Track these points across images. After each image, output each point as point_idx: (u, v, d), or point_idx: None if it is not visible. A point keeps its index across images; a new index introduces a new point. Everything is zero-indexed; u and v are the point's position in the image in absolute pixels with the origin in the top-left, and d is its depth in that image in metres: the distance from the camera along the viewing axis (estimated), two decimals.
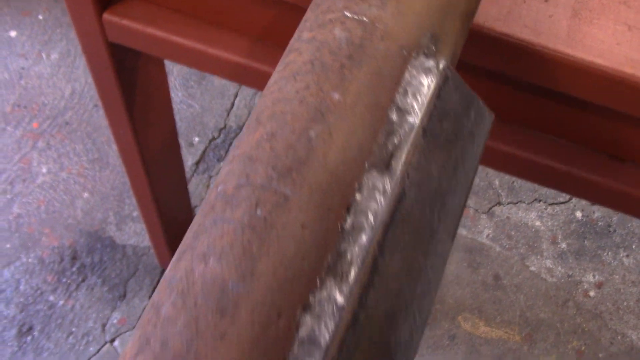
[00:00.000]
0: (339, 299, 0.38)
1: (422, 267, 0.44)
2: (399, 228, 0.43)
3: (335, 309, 0.37)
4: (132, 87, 0.98)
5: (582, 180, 0.79)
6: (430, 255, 0.45)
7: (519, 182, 1.85)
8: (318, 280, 0.38)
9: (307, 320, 0.36)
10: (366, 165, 0.42)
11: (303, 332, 0.36)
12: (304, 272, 0.37)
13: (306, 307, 0.37)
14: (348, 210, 0.40)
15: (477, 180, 1.84)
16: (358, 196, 0.41)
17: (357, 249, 0.40)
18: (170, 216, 1.49)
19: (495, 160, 0.83)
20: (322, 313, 0.37)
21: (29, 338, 1.55)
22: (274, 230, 0.38)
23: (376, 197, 0.42)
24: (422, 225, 0.45)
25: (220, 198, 0.40)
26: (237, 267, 0.37)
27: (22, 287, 1.60)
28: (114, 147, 1.80)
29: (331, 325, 0.37)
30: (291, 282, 0.37)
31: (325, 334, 0.37)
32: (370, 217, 0.41)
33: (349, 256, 0.39)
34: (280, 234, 0.38)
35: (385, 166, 0.43)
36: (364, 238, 0.40)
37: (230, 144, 1.85)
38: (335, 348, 0.37)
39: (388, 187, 0.42)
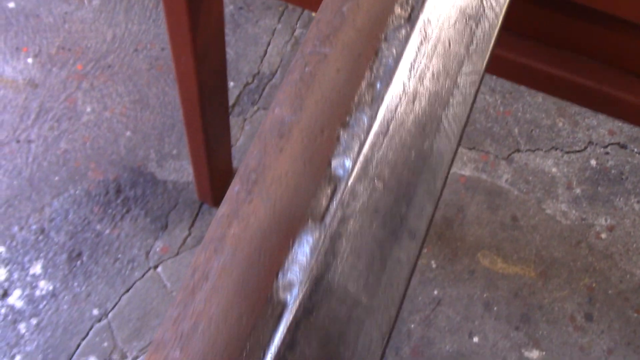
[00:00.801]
0: (368, 116, 0.51)
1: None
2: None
3: (365, 125, 0.51)
4: (197, 14, 1.06)
5: (589, 90, 0.87)
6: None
7: (537, 131, 1.93)
8: (352, 105, 0.51)
9: (344, 134, 0.50)
10: (390, 20, 0.55)
11: (342, 141, 0.50)
12: (340, 101, 0.51)
13: (343, 124, 0.50)
14: (376, 54, 0.54)
15: (497, 127, 1.92)
16: (384, 45, 0.54)
17: (385, 79, 0.52)
18: (214, 150, 1.58)
19: (510, 70, 0.91)
20: (355, 128, 0.50)
21: (78, 263, 1.65)
22: (317, 78, 0.52)
23: (400, 41, 0.55)
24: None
25: (286, 74, 0.55)
26: (291, 106, 0.51)
27: (70, 217, 1.70)
28: (154, 89, 1.88)
29: (362, 136, 0.50)
30: (330, 108, 0.51)
31: (357, 142, 0.50)
32: (394, 54, 0.54)
33: (377, 86, 0.53)
34: (321, 79, 0.52)
35: (407, 19, 0.56)
36: (390, 64, 0.53)
37: (264, 89, 1.92)
38: (369, 150, 0.50)
39: (409, 33, 0.56)
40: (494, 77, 1.99)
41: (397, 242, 0.49)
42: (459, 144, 0.54)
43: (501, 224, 1.80)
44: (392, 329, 0.46)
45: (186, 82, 1.25)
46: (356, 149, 0.50)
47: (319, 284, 0.44)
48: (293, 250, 0.45)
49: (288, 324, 0.42)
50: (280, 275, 0.44)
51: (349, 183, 0.48)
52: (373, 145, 0.50)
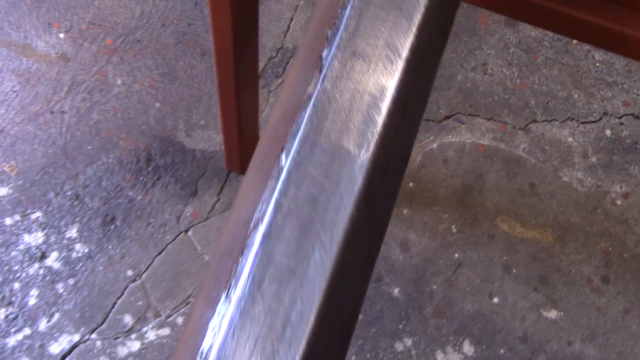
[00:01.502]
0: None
1: None
2: None
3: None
4: None
5: (586, 23, 0.90)
6: None
7: (553, 102, 1.97)
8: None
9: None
10: None
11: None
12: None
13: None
14: None
15: (514, 99, 1.96)
16: None
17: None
18: (244, 120, 1.62)
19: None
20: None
21: (112, 227, 1.70)
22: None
23: None
24: None
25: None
26: None
27: (104, 184, 1.75)
28: (182, 63, 1.93)
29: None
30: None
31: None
32: None
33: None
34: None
35: None
36: None
37: (287, 62, 1.97)
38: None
39: None
40: (511, 51, 2.03)
41: None
42: None
43: (519, 191, 1.84)
44: None
45: (222, 51, 1.30)
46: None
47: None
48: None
49: None
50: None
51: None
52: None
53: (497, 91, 1.97)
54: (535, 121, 1.94)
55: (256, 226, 0.48)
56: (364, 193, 0.48)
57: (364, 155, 0.49)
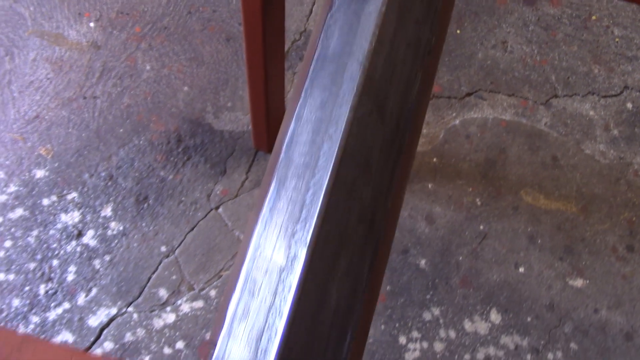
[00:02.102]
0: None
1: None
2: None
3: None
4: None
5: None
6: None
7: (573, 77, 1.98)
8: None
9: None
10: None
11: None
12: None
13: None
14: None
15: (534, 75, 1.98)
16: None
17: None
18: (272, 100, 1.66)
19: None
20: None
21: (145, 205, 1.74)
22: None
23: None
24: None
25: None
26: None
27: (136, 164, 1.79)
28: (208, 48, 1.97)
29: None
30: None
31: None
32: None
33: None
34: None
35: None
36: None
37: None
38: None
39: None
40: (530, 29, 2.05)
41: None
42: None
43: (542, 164, 1.85)
44: None
45: (252, 32, 1.34)
46: None
47: None
48: None
49: None
50: None
51: None
52: None
53: (518, 68, 1.99)
54: (556, 96, 1.95)
55: (282, 141, 0.53)
56: (365, 87, 0.52)
57: (363, 56, 0.53)
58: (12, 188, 1.73)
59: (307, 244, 0.46)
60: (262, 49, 1.44)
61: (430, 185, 1.81)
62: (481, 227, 1.76)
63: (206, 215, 1.73)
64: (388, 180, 0.52)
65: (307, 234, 0.46)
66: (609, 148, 1.88)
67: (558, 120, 1.92)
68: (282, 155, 0.51)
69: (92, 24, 1.97)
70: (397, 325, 1.64)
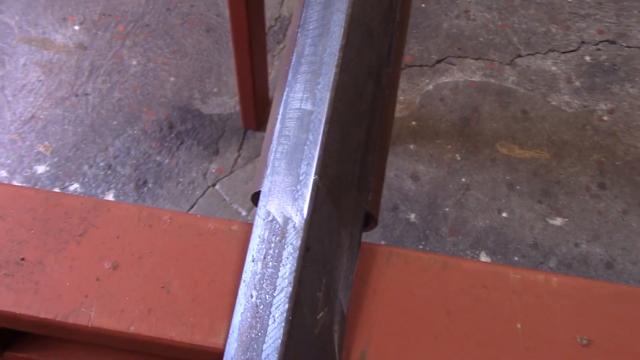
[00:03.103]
0: None
1: None
2: None
3: None
4: None
5: None
6: None
7: (534, 38, 2.10)
8: None
9: None
10: None
11: None
12: None
13: None
14: None
15: (497, 38, 2.09)
16: None
17: None
18: (257, 81, 1.75)
19: None
20: None
21: (145, 189, 1.81)
22: None
23: None
24: None
25: None
26: None
27: (132, 152, 1.86)
28: (189, 40, 2.05)
29: None
30: None
31: None
32: None
33: None
34: None
35: None
36: None
37: (286, 29, 2.09)
38: None
39: None
40: None
41: None
42: None
43: (513, 118, 1.96)
44: None
45: (237, 20, 1.44)
46: None
47: None
48: None
49: None
50: None
51: None
52: None
53: (482, 33, 2.10)
54: (519, 56, 2.07)
55: (296, 23, 0.62)
56: None
57: None
58: (16, 185, 1.78)
59: (330, 88, 0.54)
60: (247, 34, 1.53)
61: (412, 147, 1.90)
62: (463, 179, 1.86)
63: (204, 193, 1.80)
64: (387, 47, 0.60)
65: (329, 81, 0.54)
66: (573, 98, 2.00)
67: (524, 77, 2.03)
68: (298, 32, 0.60)
69: (76, 27, 2.04)
70: None
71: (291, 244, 0.51)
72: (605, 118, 1.97)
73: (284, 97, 0.58)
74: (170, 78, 1.97)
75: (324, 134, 0.53)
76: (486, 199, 1.83)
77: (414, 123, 1.93)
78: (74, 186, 1.79)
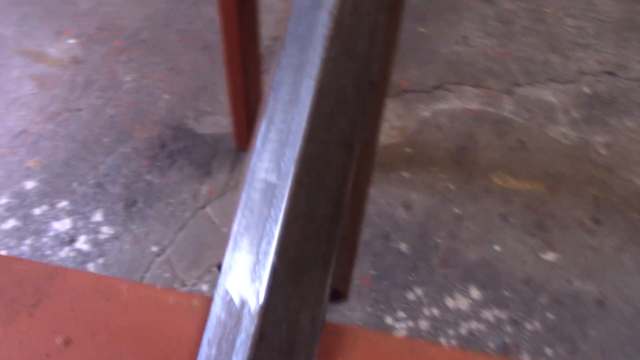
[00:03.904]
0: None
1: None
2: None
3: None
4: None
5: None
6: None
7: (533, 66, 2.07)
8: None
9: None
10: None
11: None
12: None
13: None
14: None
15: (496, 66, 2.06)
16: None
17: None
18: (251, 102, 1.72)
19: None
20: None
21: (134, 209, 1.78)
22: None
23: None
24: None
25: None
26: None
27: (123, 171, 1.83)
28: (185, 57, 2.03)
29: None
30: None
31: None
32: None
33: None
34: None
35: None
36: None
37: None
38: None
39: None
40: (489, 23, 2.13)
41: None
42: None
43: (509, 148, 1.93)
44: None
45: (230, 40, 1.41)
46: None
47: None
48: None
49: None
50: None
51: None
52: None
53: (480, 60, 2.07)
54: (518, 85, 2.04)
55: (270, 85, 0.59)
56: (333, 31, 0.58)
57: (330, 4, 0.59)
58: (4, 200, 1.75)
59: (295, 162, 0.51)
60: (240, 54, 1.50)
61: (405, 174, 1.87)
62: (456, 210, 1.82)
63: (194, 215, 1.77)
64: (362, 111, 0.57)
65: (294, 153, 0.52)
66: (570, 130, 1.97)
67: (521, 107, 2.00)
68: (270, 96, 0.57)
69: (71, 41, 2.01)
70: (382, 307, 1.69)
71: (245, 330, 0.48)
72: (602, 151, 1.93)
73: (251, 166, 0.55)
74: (164, 95, 1.94)
75: (285, 211, 0.50)
76: (479, 231, 1.79)
77: (408, 150, 1.90)
78: (63, 204, 1.76)
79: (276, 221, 0.50)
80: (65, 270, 0.55)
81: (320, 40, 0.57)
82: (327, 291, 0.53)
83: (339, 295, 0.58)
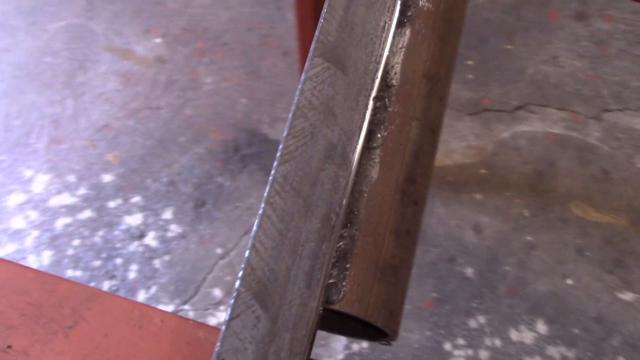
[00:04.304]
0: None
1: None
2: None
3: None
4: None
5: None
6: None
7: (626, 92, 1.95)
8: None
9: None
10: None
11: None
12: None
13: None
14: None
15: (585, 89, 1.96)
16: None
17: None
18: None
19: None
20: None
21: (203, 210, 1.81)
22: None
23: None
24: None
25: None
26: None
27: (195, 171, 1.86)
28: (265, 62, 2.04)
29: None
30: None
31: None
32: None
33: None
34: None
35: None
36: None
37: None
38: None
39: None
40: (581, 44, 2.03)
41: None
42: None
43: (592, 177, 1.83)
44: None
45: (306, 46, 1.40)
46: None
47: None
48: None
49: None
50: None
51: None
52: None
53: (568, 82, 1.98)
54: (607, 110, 1.93)
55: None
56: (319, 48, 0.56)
57: None
58: (82, 191, 1.83)
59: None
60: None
61: (478, 196, 1.81)
62: (529, 238, 1.75)
63: None
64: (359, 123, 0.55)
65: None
66: None
67: (609, 134, 1.89)
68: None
69: (158, 40, 2.07)
70: (442, 332, 1.64)
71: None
72: None
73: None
74: (242, 99, 1.96)
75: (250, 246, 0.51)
76: (551, 262, 1.71)
77: (483, 171, 1.84)
78: (136, 199, 1.81)
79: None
80: (102, 293, 0.56)
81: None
82: (314, 313, 0.51)
83: (384, 334, 0.55)
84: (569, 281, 1.69)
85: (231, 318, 0.49)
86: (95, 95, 1.97)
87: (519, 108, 1.94)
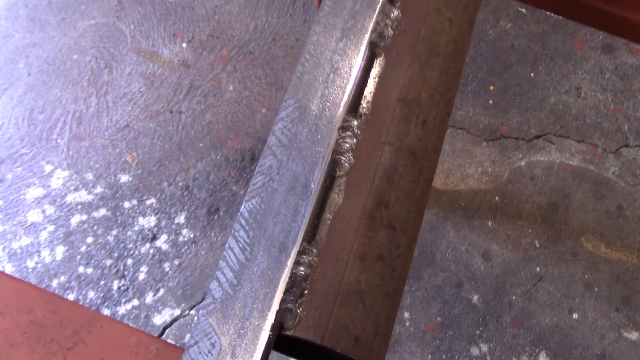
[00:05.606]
0: None
1: None
2: None
3: None
4: None
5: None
6: None
7: None
8: None
9: None
10: None
11: None
12: None
13: None
14: None
15: (606, 123, 1.95)
16: None
17: None
18: None
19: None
20: None
21: (216, 216, 1.83)
22: None
23: None
24: None
25: None
26: None
27: (211, 178, 1.89)
28: (288, 73, 2.06)
29: None
30: None
31: None
32: None
33: None
34: None
35: None
36: None
37: None
38: None
39: None
40: (606, 76, 2.03)
41: None
42: None
43: (606, 212, 1.82)
44: None
45: None
46: None
47: None
48: None
49: None
50: None
51: None
52: None
53: (590, 114, 1.97)
54: (627, 146, 1.92)
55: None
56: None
57: None
58: (99, 189, 1.86)
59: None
60: None
61: (489, 223, 1.81)
62: (537, 269, 1.75)
63: None
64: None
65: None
66: None
67: (627, 170, 1.88)
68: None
69: (184, 45, 2.10)
70: (444, 357, 1.65)
71: None
72: None
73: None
74: (262, 109, 1.99)
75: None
76: (558, 295, 1.71)
77: (497, 198, 1.84)
78: (151, 201, 1.84)
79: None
80: (102, 317, 0.58)
81: None
82: (264, 342, 0.52)
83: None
84: (575, 315, 1.69)
85: (189, 346, 0.51)
86: (118, 95, 2.00)
87: (537, 137, 1.94)
